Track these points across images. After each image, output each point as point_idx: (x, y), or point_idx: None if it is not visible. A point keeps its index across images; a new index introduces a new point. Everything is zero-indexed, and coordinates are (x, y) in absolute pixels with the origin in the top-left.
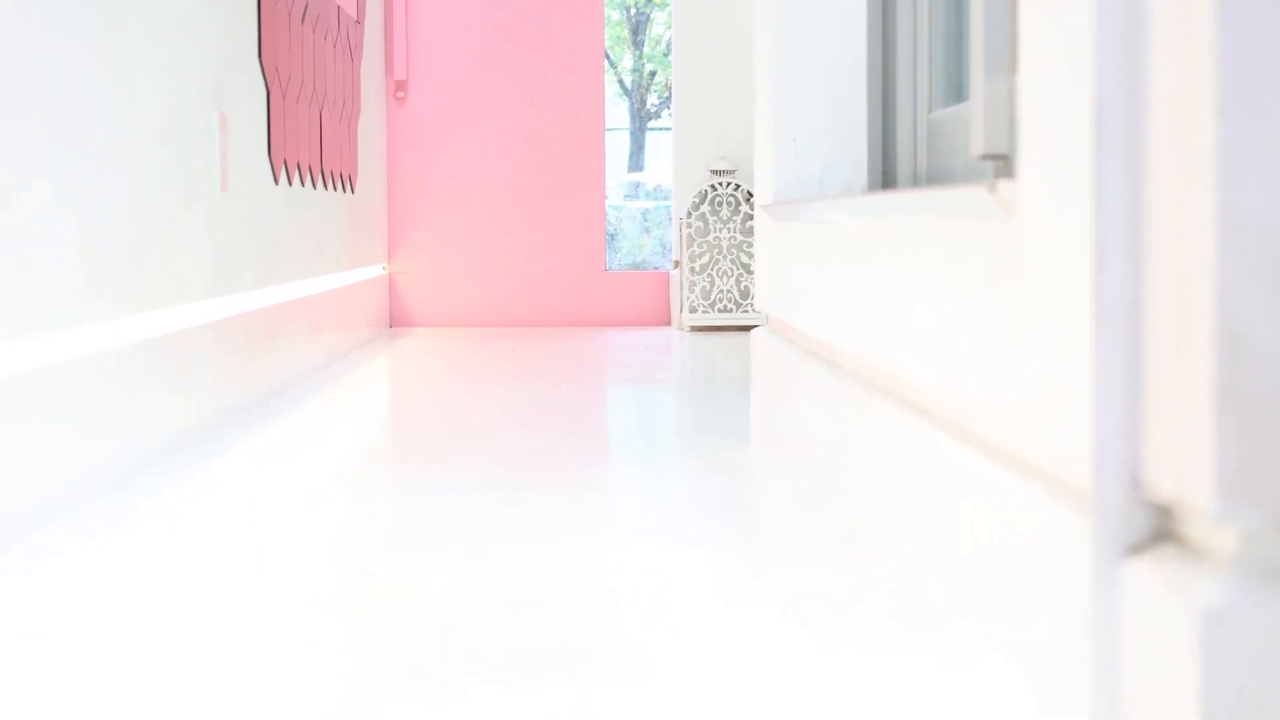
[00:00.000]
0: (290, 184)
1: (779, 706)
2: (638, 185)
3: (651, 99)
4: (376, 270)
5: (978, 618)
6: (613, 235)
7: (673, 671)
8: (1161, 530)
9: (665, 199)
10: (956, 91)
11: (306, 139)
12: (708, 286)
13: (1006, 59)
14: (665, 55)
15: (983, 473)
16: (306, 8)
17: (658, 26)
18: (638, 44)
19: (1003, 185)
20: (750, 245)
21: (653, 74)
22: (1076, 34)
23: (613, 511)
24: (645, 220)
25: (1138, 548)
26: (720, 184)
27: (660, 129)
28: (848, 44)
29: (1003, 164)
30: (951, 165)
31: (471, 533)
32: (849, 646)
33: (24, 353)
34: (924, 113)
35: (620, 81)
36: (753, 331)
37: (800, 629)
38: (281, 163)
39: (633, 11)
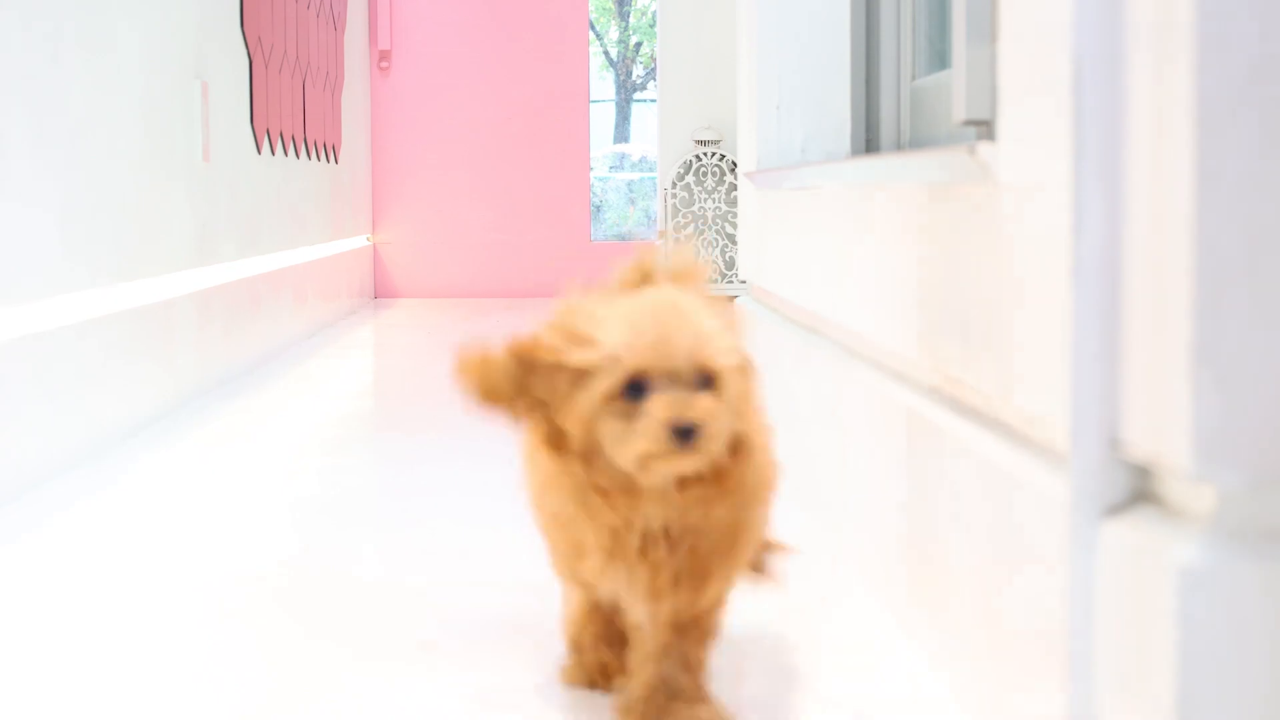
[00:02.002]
0: (273, 153)
1: (747, 659)
2: (623, 157)
3: (637, 71)
4: (361, 241)
5: (952, 577)
6: (598, 206)
7: None
8: (1140, 491)
9: (650, 170)
10: (939, 59)
11: (289, 108)
12: None
13: (988, 26)
14: (651, 27)
15: (961, 435)
16: None
17: None
18: (623, 15)
19: (982, 148)
20: (735, 215)
21: (638, 45)
22: None
23: None
24: (631, 191)
25: (1116, 508)
26: (705, 154)
27: (646, 100)
28: (831, 12)
29: (984, 129)
30: (935, 133)
31: (453, 504)
32: (827, 605)
33: (2, 322)
34: (907, 80)
35: (605, 53)
36: (735, 300)
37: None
38: (264, 132)
39: None
